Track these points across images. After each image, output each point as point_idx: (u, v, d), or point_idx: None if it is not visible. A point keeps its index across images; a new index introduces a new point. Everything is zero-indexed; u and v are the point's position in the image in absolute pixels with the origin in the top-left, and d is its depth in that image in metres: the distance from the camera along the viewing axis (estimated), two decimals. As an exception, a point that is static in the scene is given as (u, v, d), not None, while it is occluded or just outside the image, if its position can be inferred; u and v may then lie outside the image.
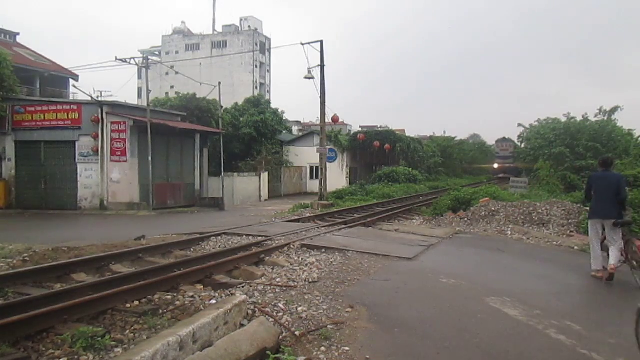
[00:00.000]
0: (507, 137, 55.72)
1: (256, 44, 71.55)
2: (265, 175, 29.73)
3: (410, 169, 33.52)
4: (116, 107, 20.22)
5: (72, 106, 20.28)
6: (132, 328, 4.67)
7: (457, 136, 58.40)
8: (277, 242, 9.31)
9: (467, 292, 6.37)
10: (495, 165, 55.27)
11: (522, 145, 42.21)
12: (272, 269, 7.37)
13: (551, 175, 23.71)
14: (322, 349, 4.27)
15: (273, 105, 37.61)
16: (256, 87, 69.48)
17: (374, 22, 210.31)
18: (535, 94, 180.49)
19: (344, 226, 12.10)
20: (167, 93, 50.85)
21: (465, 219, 13.35)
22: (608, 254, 7.45)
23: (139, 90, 64.78)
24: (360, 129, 45.43)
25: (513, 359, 4.26)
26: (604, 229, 7.58)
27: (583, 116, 32.83)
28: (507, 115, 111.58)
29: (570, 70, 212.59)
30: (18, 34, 33.14)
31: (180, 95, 31.57)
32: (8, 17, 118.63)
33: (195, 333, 3.81)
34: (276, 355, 3.95)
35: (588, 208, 12.39)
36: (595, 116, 33.42)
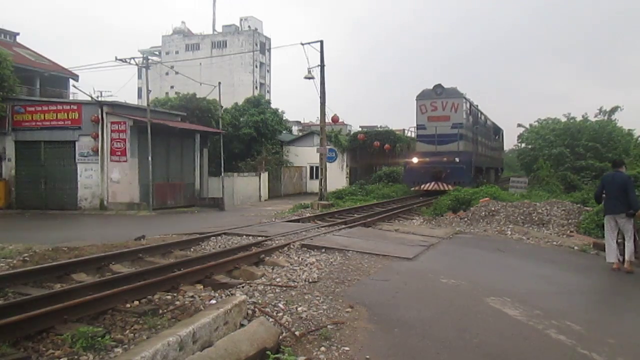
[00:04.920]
0: (443, 85, 22.91)
1: (256, 44, 71.58)
2: (265, 175, 29.75)
3: (411, 169, 33.38)
4: (116, 107, 20.23)
5: (72, 106, 20.31)
6: (132, 328, 4.67)
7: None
8: (277, 242, 9.31)
9: (467, 292, 6.36)
10: (414, 160, 22.98)
11: (523, 145, 37.80)
12: (272, 269, 7.37)
13: (551, 175, 23.70)
14: (322, 349, 4.27)
15: (273, 105, 37.66)
16: (256, 87, 69.49)
17: (377, 22, 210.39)
18: (538, 94, 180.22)
19: (344, 226, 12.10)
20: (167, 93, 50.88)
21: (465, 219, 13.35)
22: (623, 248, 8.12)
23: (139, 90, 64.77)
24: (360, 129, 45.44)
25: (513, 359, 4.26)
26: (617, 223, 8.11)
27: (583, 116, 32.88)
28: (509, 114, 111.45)
29: (576, 69, 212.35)
30: (18, 34, 33.16)
31: (180, 95, 31.62)
32: (8, 17, 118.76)
33: (195, 333, 3.81)
34: (276, 355, 3.95)
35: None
36: (595, 116, 33.50)
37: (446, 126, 22.39)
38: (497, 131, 35.07)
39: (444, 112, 22.65)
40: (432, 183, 21.75)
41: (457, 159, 21.64)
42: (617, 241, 8.22)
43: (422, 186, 22.01)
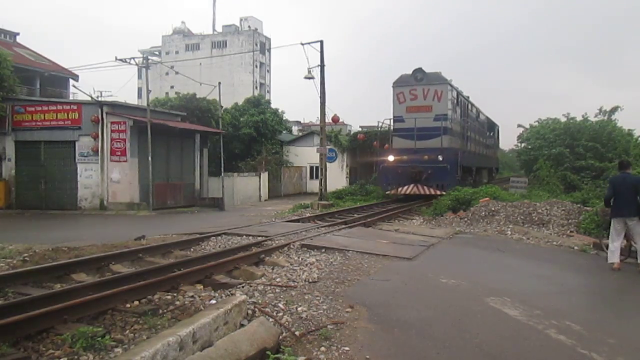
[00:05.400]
0: (423, 69, 19.69)
1: (256, 44, 71.61)
2: (265, 175, 29.76)
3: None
4: (116, 107, 20.24)
5: (72, 106, 20.31)
6: (132, 328, 4.67)
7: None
8: (277, 242, 9.31)
9: (467, 292, 6.37)
10: (390, 158, 19.68)
11: (523, 145, 38.43)
12: (272, 269, 7.37)
13: (551, 175, 23.66)
14: (322, 349, 4.27)
15: (273, 105, 37.71)
16: (256, 87, 69.52)
17: (377, 22, 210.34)
18: (538, 93, 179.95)
19: (344, 226, 12.10)
20: (167, 93, 50.88)
21: (465, 219, 13.35)
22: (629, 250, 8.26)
23: (139, 90, 64.78)
24: (360, 129, 45.41)
25: (513, 359, 4.26)
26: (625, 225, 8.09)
27: (583, 116, 32.76)
28: (509, 115, 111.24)
29: (577, 69, 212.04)
30: (18, 34, 33.18)
31: (180, 95, 31.64)
32: (8, 17, 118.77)
33: (195, 333, 3.81)
34: (276, 355, 3.96)
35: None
36: (595, 116, 33.37)
37: (427, 118, 19.00)
38: (492, 127, 31.84)
39: (425, 101, 19.30)
40: (411, 186, 18.69)
41: (440, 157, 18.43)
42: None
43: (399, 189, 19.01)
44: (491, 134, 31.79)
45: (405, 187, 18.87)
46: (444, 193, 17.41)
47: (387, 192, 20.27)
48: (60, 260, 7.61)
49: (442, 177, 18.34)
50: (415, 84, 19.58)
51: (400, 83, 19.93)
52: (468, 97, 23.67)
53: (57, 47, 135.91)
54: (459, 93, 21.33)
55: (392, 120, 20.29)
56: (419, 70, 19.65)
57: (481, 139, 27.31)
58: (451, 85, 20.03)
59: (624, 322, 5.61)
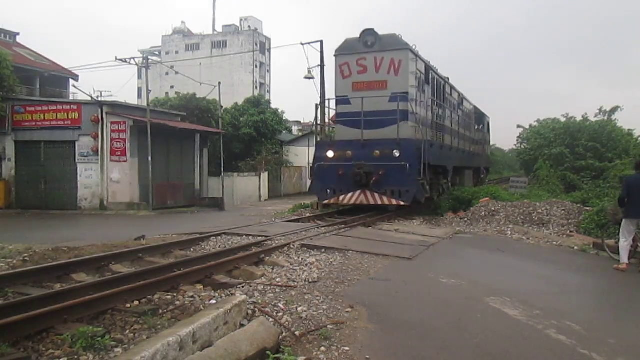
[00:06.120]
0: (375, 31, 14.03)
1: (256, 44, 71.64)
2: (265, 175, 29.77)
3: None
4: (116, 107, 20.25)
5: (72, 106, 20.32)
6: (132, 328, 4.67)
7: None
8: (277, 242, 9.30)
9: (467, 292, 6.37)
10: (329, 155, 14.06)
11: (523, 146, 35.44)
12: (272, 269, 7.36)
13: (551, 175, 23.66)
14: (322, 349, 4.27)
15: (273, 105, 37.77)
16: (256, 87, 69.53)
17: (377, 21, 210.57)
18: (539, 93, 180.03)
19: (343, 226, 12.09)
20: (167, 93, 50.93)
21: (465, 219, 13.36)
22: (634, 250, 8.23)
23: (139, 90, 64.83)
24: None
25: (513, 359, 4.26)
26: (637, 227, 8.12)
27: (583, 116, 32.79)
28: (510, 115, 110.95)
29: (577, 69, 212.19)
30: (18, 34, 33.23)
31: (180, 95, 31.69)
32: (8, 17, 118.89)
33: (195, 333, 3.81)
34: (276, 355, 3.95)
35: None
36: (595, 116, 33.38)
37: (381, 98, 13.75)
38: (481, 118, 26.05)
39: (377, 74, 14.01)
40: (357, 193, 13.67)
41: (396, 153, 13.37)
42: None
43: (341, 197, 13.95)
44: (480, 127, 26.14)
45: (350, 195, 13.82)
46: (401, 203, 13.42)
47: (324, 202, 14.81)
48: (60, 260, 7.60)
49: (399, 180, 13.30)
50: (365, 52, 14.14)
51: (345, 50, 14.54)
52: (448, 78, 18.74)
53: (57, 47, 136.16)
54: (429, 67, 15.83)
55: (330, 102, 15.36)
56: (369, 32, 14.19)
57: (464, 132, 21.51)
58: (414, 53, 14.46)
59: (625, 322, 5.61)
